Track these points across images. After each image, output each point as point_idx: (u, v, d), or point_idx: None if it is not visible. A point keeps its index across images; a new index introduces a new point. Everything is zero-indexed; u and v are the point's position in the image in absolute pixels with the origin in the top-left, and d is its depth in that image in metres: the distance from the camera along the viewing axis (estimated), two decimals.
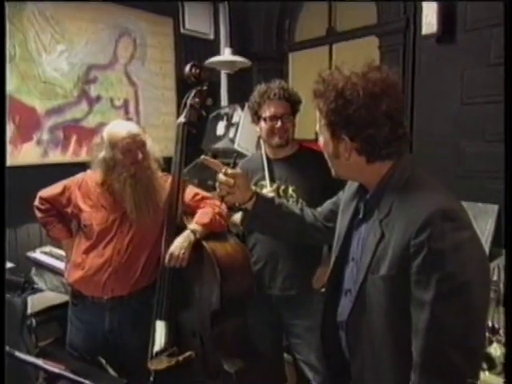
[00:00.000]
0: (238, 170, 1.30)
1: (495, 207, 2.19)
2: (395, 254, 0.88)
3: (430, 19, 2.33)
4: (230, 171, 1.23)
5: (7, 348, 1.03)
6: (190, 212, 1.76)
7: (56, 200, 1.78)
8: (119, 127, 1.67)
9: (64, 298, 2.30)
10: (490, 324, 1.50)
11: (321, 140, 1.02)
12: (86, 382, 1.10)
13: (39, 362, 1.05)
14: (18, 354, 1.05)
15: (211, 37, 3.42)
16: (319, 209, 1.35)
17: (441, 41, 2.35)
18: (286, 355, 1.97)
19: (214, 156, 3.21)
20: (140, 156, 1.63)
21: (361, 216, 1.03)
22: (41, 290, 2.25)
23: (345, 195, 1.16)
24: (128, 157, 1.62)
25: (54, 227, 1.81)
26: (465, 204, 2.33)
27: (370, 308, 0.94)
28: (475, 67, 2.26)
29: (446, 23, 2.30)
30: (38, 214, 1.81)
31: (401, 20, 2.52)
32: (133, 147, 1.62)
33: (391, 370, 0.94)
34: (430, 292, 0.83)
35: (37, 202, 1.81)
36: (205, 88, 1.88)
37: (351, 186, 1.14)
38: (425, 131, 2.49)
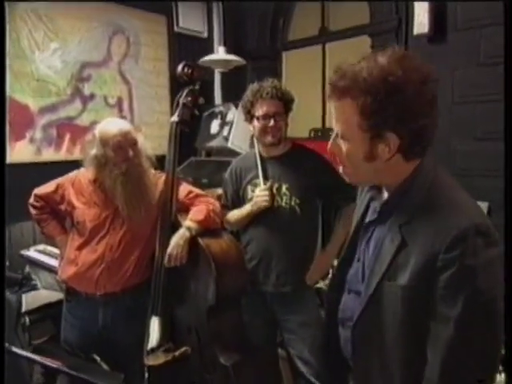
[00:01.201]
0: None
1: (485, 205, 2.22)
2: (419, 264, 0.83)
3: (421, 19, 2.36)
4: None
5: (6, 344, 1.04)
6: (184, 209, 1.77)
7: (50, 197, 1.79)
8: (110, 125, 1.69)
9: (58, 296, 2.30)
10: None
11: (345, 145, 0.89)
12: (84, 376, 1.12)
13: (37, 357, 1.06)
14: (15, 349, 1.06)
15: (205, 35, 3.43)
16: None
17: (432, 40, 2.38)
18: (280, 350, 2.00)
19: (208, 154, 3.23)
20: (131, 153, 1.64)
21: (375, 217, 0.97)
22: (35, 288, 2.25)
23: (361, 196, 1.10)
24: (119, 154, 1.63)
25: (48, 224, 1.82)
26: None
27: (382, 313, 0.90)
28: (466, 67, 2.29)
29: (437, 23, 2.33)
30: (33, 212, 1.83)
31: (393, 20, 2.55)
32: (124, 145, 1.63)
33: (399, 375, 0.91)
34: (456, 308, 0.80)
35: (31, 200, 1.82)
36: (197, 87, 1.90)
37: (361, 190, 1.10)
38: None
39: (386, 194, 0.96)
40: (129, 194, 1.65)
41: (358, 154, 0.87)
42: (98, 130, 1.69)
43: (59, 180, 1.81)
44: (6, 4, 2.38)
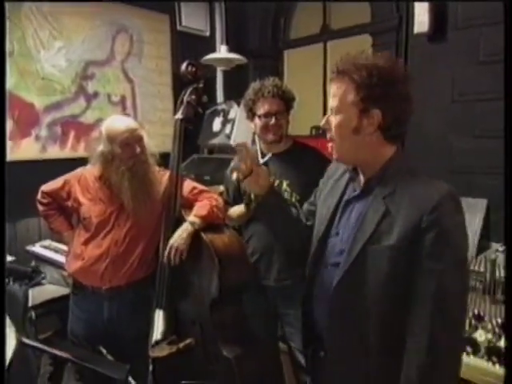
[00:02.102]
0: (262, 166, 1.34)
1: (484, 202, 2.25)
2: (405, 227, 0.98)
3: (421, 18, 2.38)
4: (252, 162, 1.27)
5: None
6: (188, 205, 1.81)
7: (57, 194, 1.83)
8: (118, 122, 1.72)
9: (64, 291, 2.34)
10: (476, 311, 1.56)
11: (336, 118, 1.06)
12: (91, 366, 1.15)
13: (47, 348, 1.09)
14: (25, 340, 1.09)
15: (207, 34, 3.46)
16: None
17: (432, 39, 2.40)
18: (281, 344, 2.03)
19: (210, 152, 3.26)
20: (138, 150, 1.68)
21: (355, 194, 1.12)
22: (41, 283, 2.29)
23: (328, 181, 1.26)
24: (126, 151, 1.67)
25: (55, 220, 1.86)
26: None
27: (363, 278, 1.03)
28: (466, 65, 2.31)
29: (437, 22, 2.35)
30: (40, 208, 1.86)
31: (394, 19, 2.57)
32: (131, 141, 1.67)
33: (377, 336, 1.04)
34: (440, 264, 0.95)
35: (39, 196, 1.86)
36: (201, 85, 1.93)
37: (334, 174, 1.25)
38: (416, 127, 2.54)
39: (361, 177, 1.12)
40: (135, 189, 1.68)
41: (348, 126, 1.05)
42: (105, 126, 1.72)
43: (65, 177, 1.84)
44: (11, 3, 2.42)
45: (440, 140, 2.44)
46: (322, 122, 1.11)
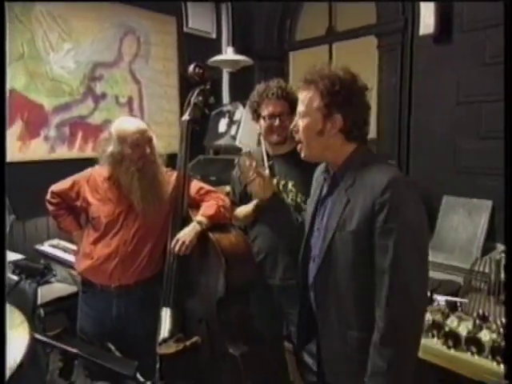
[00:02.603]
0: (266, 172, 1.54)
1: (489, 203, 2.26)
2: (362, 212, 1.09)
3: (427, 20, 2.40)
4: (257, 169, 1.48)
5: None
6: (195, 205, 1.83)
7: (66, 194, 1.85)
8: (128, 123, 1.75)
9: (71, 289, 2.37)
10: (480, 312, 1.58)
11: (303, 122, 1.19)
12: (101, 362, 1.18)
13: (59, 343, 1.12)
14: (37, 335, 1.12)
15: (213, 35, 3.49)
16: None
17: (438, 41, 2.41)
18: (286, 343, 2.05)
19: (216, 152, 3.29)
20: (148, 151, 1.70)
21: (325, 192, 1.25)
22: (49, 282, 2.32)
23: (316, 181, 1.38)
24: (136, 151, 1.69)
25: (64, 220, 1.88)
26: (460, 200, 2.42)
27: (336, 262, 1.15)
28: (471, 67, 2.32)
29: (443, 24, 2.36)
30: (50, 208, 1.89)
31: (399, 20, 2.59)
32: (141, 142, 1.69)
33: (354, 314, 1.15)
34: (392, 237, 1.05)
35: (48, 196, 1.88)
36: (208, 87, 1.95)
37: (318, 174, 1.37)
38: (422, 129, 2.56)
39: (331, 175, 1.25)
40: (144, 189, 1.70)
41: (313, 129, 1.18)
42: (115, 127, 1.74)
43: (75, 177, 1.86)
44: (22, 6, 2.46)
45: (445, 141, 2.45)
46: (291, 126, 1.24)
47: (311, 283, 1.23)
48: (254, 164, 1.41)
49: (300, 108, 1.21)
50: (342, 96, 1.14)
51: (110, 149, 1.71)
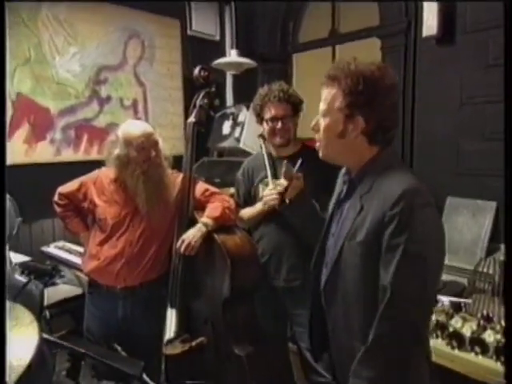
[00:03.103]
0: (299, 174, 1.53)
1: (493, 204, 2.25)
2: (372, 223, 1.02)
3: (430, 22, 2.40)
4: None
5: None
6: (201, 207, 1.85)
7: (73, 195, 1.87)
8: (134, 126, 1.77)
9: (77, 291, 2.39)
10: (484, 312, 1.58)
11: (324, 121, 1.11)
12: (108, 362, 1.19)
13: (67, 343, 1.13)
14: (45, 335, 1.13)
15: (217, 38, 3.51)
16: None
17: (441, 42, 2.41)
18: (290, 345, 2.06)
19: (220, 155, 3.30)
20: (153, 154, 1.73)
21: (343, 196, 1.18)
22: (55, 283, 2.34)
23: (337, 183, 1.31)
24: (142, 154, 1.71)
25: (71, 221, 1.91)
26: (464, 201, 2.42)
27: (344, 272, 1.08)
28: (474, 68, 2.32)
29: (446, 26, 2.36)
30: (57, 209, 1.91)
31: (402, 22, 2.59)
32: (146, 146, 1.71)
33: (361, 327, 1.06)
34: (397, 253, 0.97)
35: (56, 198, 1.91)
36: (213, 90, 1.99)
37: (340, 178, 1.29)
38: (426, 130, 2.56)
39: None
40: (149, 192, 1.73)
41: (334, 130, 1.09)
42: (122, 131, 1.76)
43: (82, 179, 1.89)
44: (29, 11, 2.49)
45: (449, 143, 2.45)
46: (312, 123, 1.15)
47: (322, 288, 1.17)
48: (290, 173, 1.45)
49: (322, 106, 1.12)
50: (366, 96, 1.04)
51: (117, 151, 1.73)
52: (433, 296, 1.06)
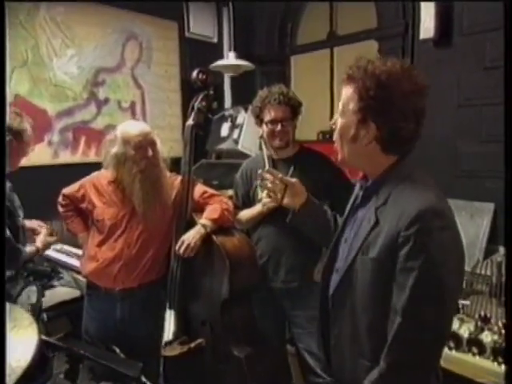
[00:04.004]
0: (293, 179, 1.40)
1: (491, 206, 2.26)
2: (386, 240, 0.95)
3: (427, 24, 2.41)
4: (284, 178, 1.36)
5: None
6: (199, 209, 1.86)
7: (74, 196, 1.90)
8: (132, 126, 1.80)
9: (74, 293, 2.39)
10: (482, 313, 1.58)
11: (339, 122, 1.05)
12: (107, 363, 1.19)
13: (66, 345, 1.13)
14: (44, 337, 1.12)
15: (215, 40, 3.51)
16: None
17: (438, 45, 2.42)
18: (289, 347, 2.06)
19: (218, 157, 3.30)
20: (150, 153, 1.74)
21: (358, 202, 1.11)
22: (52, 286, 2.33)
23: (355, 188, 1.23)
24: (139, 153, 1.72)
25: (72, 221, 1.94)
26: (462, 203, 2.43)
27: (355, 284, 1.03)
28: (471, 70, 2.33)
29: (443, 28, 2.37)
30: (60, 209, 1.95)
31: (400, 25, 2.60)
32: (144, 144, 1.73)
33: (367, 343, 1.02)
34: (411, 278, 0.91)
35: (60, 199, 1.95)
36: (211, 92, 2.00)
37: (357, 182, 1.21)
38: (423, 132, 2.55)
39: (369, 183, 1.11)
40: (146, 191, 1.73)
41: (346, 133, 1.03)
42: (120, 130, 1.79)
43: (82, 180, 1.92)
44: (26, 13, 2.49)
45: (447, 145, 2.46)
46: (332, 121, 1.09)
47: (330, 295, 1.11)
48: (279, 175, 1.34)
49: (340, 106, 1.06)
50: (379, 102, 0.96)
51: (114, 150, 1.75)
52: (449, 322, 0.99)
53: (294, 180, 1.37)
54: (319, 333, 1.22)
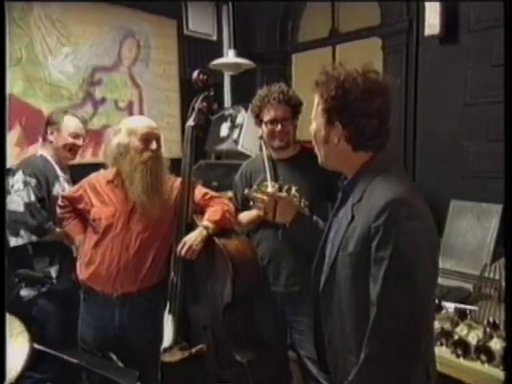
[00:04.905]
0: (282, 194, 1.50)
1: (499, 207, 2.20)
2: (360, 234, 1.00)
3: (432, 21, 2.35)
4: (274, 194, 1.45)
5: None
6: (200, 211, 1.82)
7: (72, 197, 1.89)
8: (139, 119, 1.84)
9: None
10: (491, 319, 1.54)
11: (313, 126, 1.13)
12: (102, 372, 1.15)
13: (59, 354, 1.09)
14: (37, 345, 1.08)
15: (214, 38, 3.45)
16: None
17: (443, 42, 2.37)
18: (290, 353, 2.01)
19: (218, 157, 3.25)
20: (154, 146, 1.72)
21: (338, 203, 1.17)
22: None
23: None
24: (144, 144, 1.72)
25: (69, 223, 1.91)
26: (469, 204, 2.36)
27: (339, 281, 1.07)
28: (478, 68, 2.28)
29: (448, 24, 2.32)
30: (58, 210, 1.94)
31: (404, 21, 2.55)
32: (150, 137, 1.73)
33: (354, 340, 1.04)
34: (382, 268, 0.95)
35: (59, 201, 1.94)
36: (212, 93, 1.96)
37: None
38: (429, 131, 2.52)
39: None
40: (146, 183, 1.70)
41: (319, 134, 1.11)
42: (125, 122, 1.80)
43: (81, 181, 1.90)
44: (20, 10, 2.43)
45: (453, 144, 2.40)
46: (311, 127, 1.16)
47: (320, 294, 1.15)
48: (270, 193, 1.42)
49: (313, 110, 1.14)
50: (341, 102, 1.04)
51: (116, 140, 1.72)
52: (426, 310, 1.00)
53: (283, 195, 1.44)
54: (314, 333, 1.25)
